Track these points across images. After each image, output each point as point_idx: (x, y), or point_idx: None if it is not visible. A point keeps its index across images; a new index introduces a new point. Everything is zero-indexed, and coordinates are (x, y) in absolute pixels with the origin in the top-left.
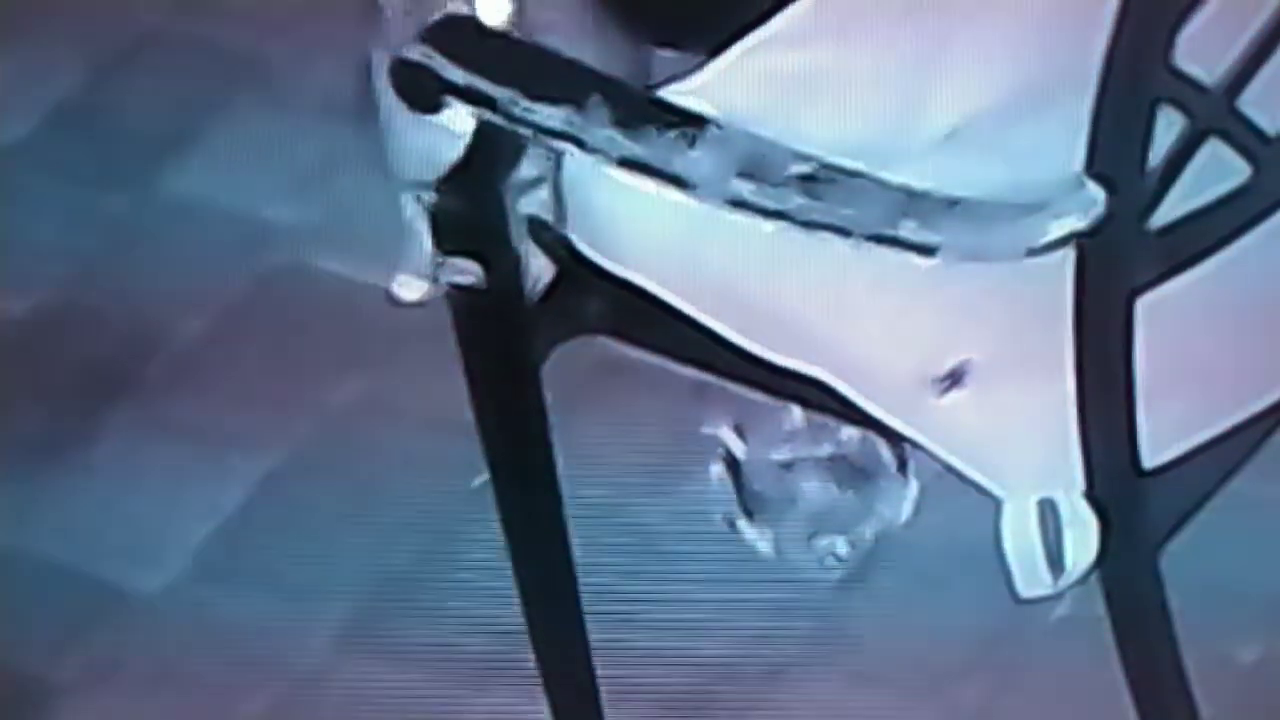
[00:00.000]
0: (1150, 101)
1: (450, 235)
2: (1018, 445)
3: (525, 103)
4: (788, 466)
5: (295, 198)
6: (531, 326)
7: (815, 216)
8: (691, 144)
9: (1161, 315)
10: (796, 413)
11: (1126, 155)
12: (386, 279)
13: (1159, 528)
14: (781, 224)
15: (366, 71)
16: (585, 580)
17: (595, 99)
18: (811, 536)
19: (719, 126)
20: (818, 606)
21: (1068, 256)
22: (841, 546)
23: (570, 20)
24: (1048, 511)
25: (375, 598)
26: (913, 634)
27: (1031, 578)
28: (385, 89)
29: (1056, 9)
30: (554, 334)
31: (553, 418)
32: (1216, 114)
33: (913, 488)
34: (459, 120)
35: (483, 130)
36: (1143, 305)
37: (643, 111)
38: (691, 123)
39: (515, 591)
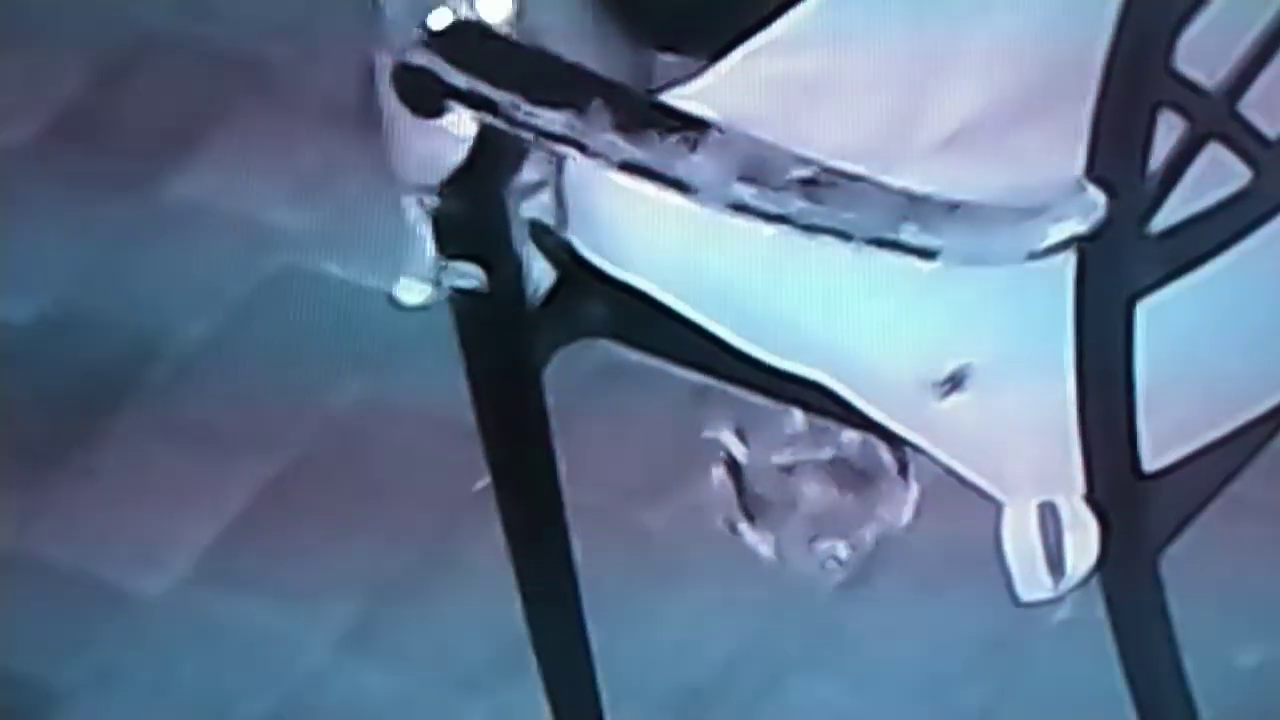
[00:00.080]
0: (1151, 105)
1: (452, 239)
2: (1018, 448)
3: (527, 107)
4: (789, 470)
5: (298, 202)
6: (533, 330)
7: (816, 220)
8: (693, 148)
9: (1162, 319)
10: (797, 416)
11: (1127, 159)
12: (389, 283)
13: (1159, 531)
14: (782, 228)
15: (369, 76)
16: (586, 583)
17: (597, 103)
18: (812, 540)
19: (720, 130)
20: (818, 609)
21: (1068, 260)
22: (842, 550)
23: (572, 24)
24: (1048, 515)
25: (377, 600)
26: (913, 637)
27: (1032, 581)
28: (388, 93)
29: (1058, 12)
30: (555, 337)
31: (554, 421)
32: (1217, 118)
33: (913, 491)
34: (461, 124)
35: (485, 134)
36: (1143, 309)
37: (644, 116)
38: (693, 127)
39: (516, 594)
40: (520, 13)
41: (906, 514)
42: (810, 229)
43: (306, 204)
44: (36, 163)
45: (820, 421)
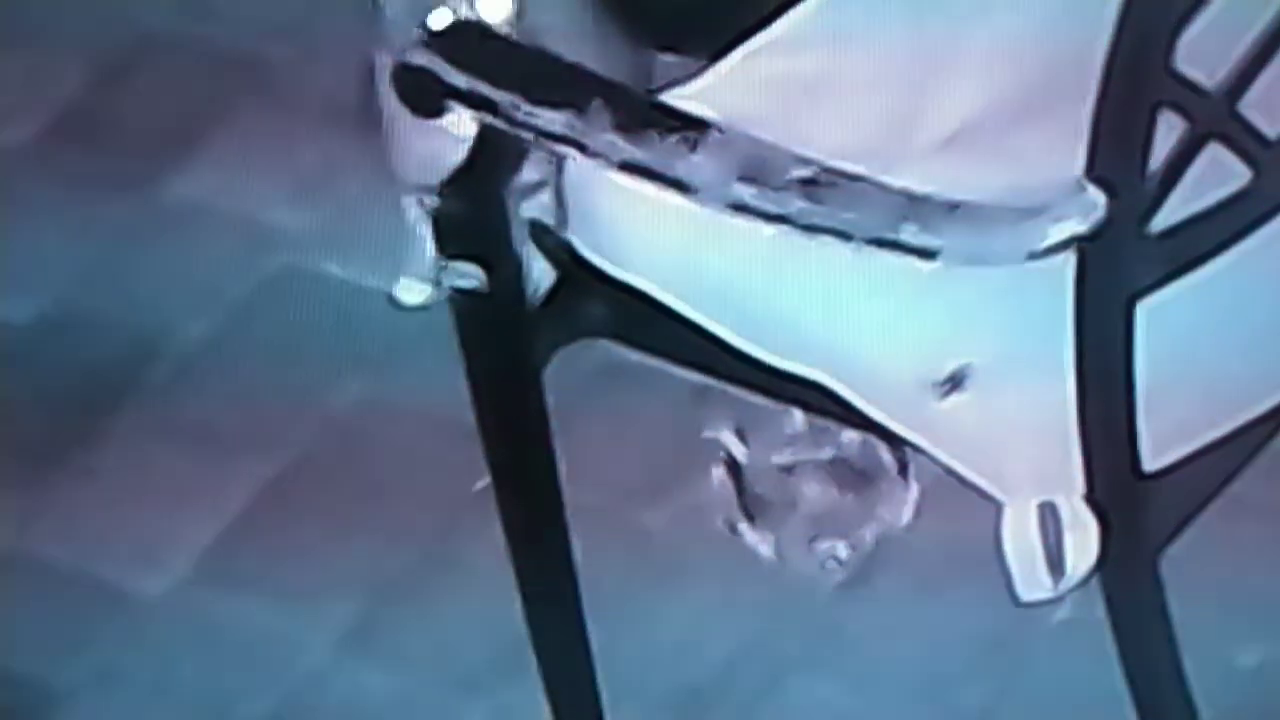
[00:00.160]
0: (1151, 105)
1: (452, 239)
2: (1018, 448)
3: (527, 107)
4: (789, 470)
5: (298, 202)
6: (533, 330)
7: (816, 220)
8: (693, 148)
9: (1162, 319)
10: (797, 416)
11: (1127, 159)
12: (389, 283)
13: (1159, 531)
14: (782, 228)
15: (369, 76)
16: (586, 582)
17: (597, 103)
18: (812, 540)
19: (720, 130)
20: (818, 610)
21: (1068, 260)
22: (842, 550)
23: (572, 24)
24: (1048, 515)
25: (377, 601)
26: (913, 637)
27: (1032, 581)
28: (388, 93)
29: (1058, 12)
30: (555, 337)
31: (554, 421)
32: (1217, 118)
33: (913, 491)
34: (461, 124)
35: (485, 134)
36: (1143, 309)
37: (644, 116)
38: (693, 127)
39: (516, 594)
40: (520, 12)
41: (906, 514)
42: (810, 229)
43: (306, 204)
44: (36, 162)
45: (820, 421)
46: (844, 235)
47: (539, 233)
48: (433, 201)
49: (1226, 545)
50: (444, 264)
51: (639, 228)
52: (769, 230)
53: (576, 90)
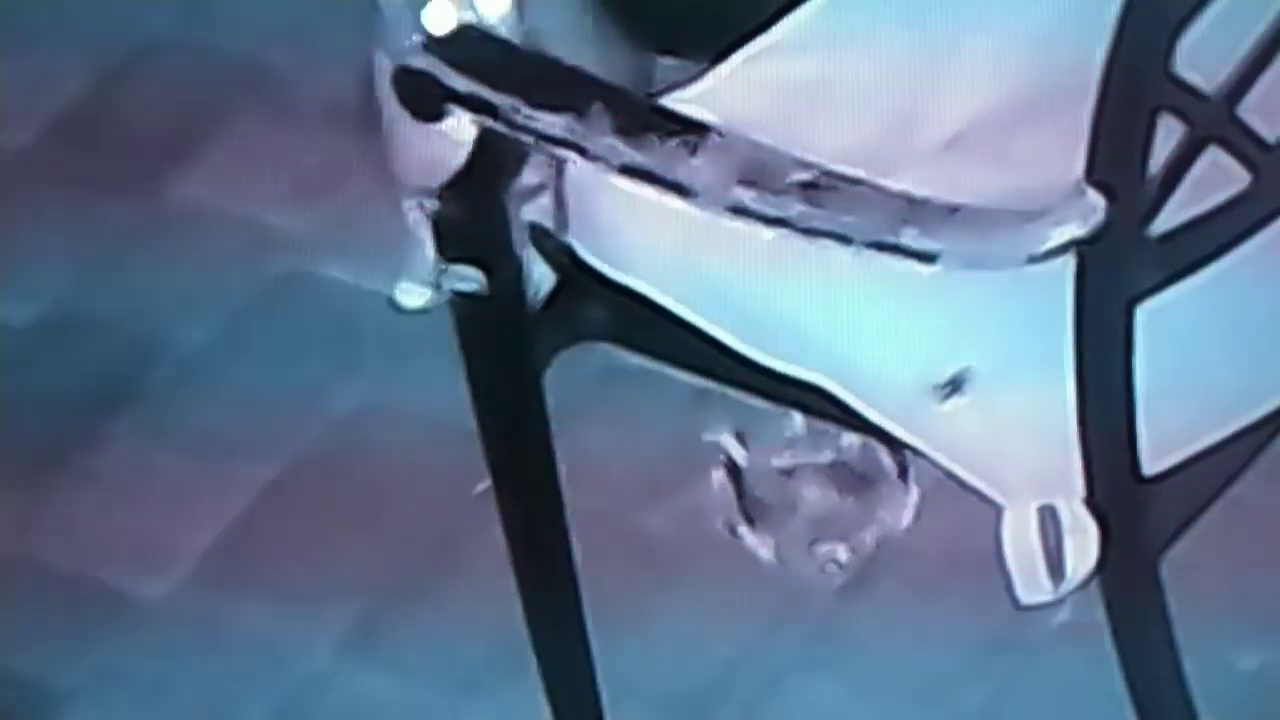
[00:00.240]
0: (1150, 109)
1: (452, 242)
2: (1018, 452)
3: (527, 110)
4: (789, 473)
5: (299, 205)
6: (533, 333)
7: (816, 224)
8: (693, 151)
9: (1162, 322)
10: (797, 419)
11: (1126, 163)
12: (389, 286)
13: (1159, 534)
14: (782, 231)
15: (369, 79)
16: (586, 585)
17: (597, 106)
18: (812, 543)
19: (720, 134)
20: (818, 613)
21: (1068, 264)
22: (842, 553)
23: (572, 28)
24: (1048, 518)
25: (378, 603)
26: (913, 640)
27: (1032, 584)
28: (388, 97)
29: (1057, 16)
30: (555, 340)
31: (554, 424)
32: (1216, 121)
33: (913, 494)
34: (461, 128)
35: (485, 138)
36: (1143, 312)
37: (644, 119)
38: (693, 130)
39: (517, 596)
40: (519, 9)
41: (906, 517)
42: (810, 232)
43: (307, 207)
44: (38, 165)
45: (820, 425)
46: (844, 239)
47: (539, 236)
48: (433, 205)
49: (1226, 548)
50: (444, 267)
51: (639, 231)
52: (769, 233)
53: (577, 94)
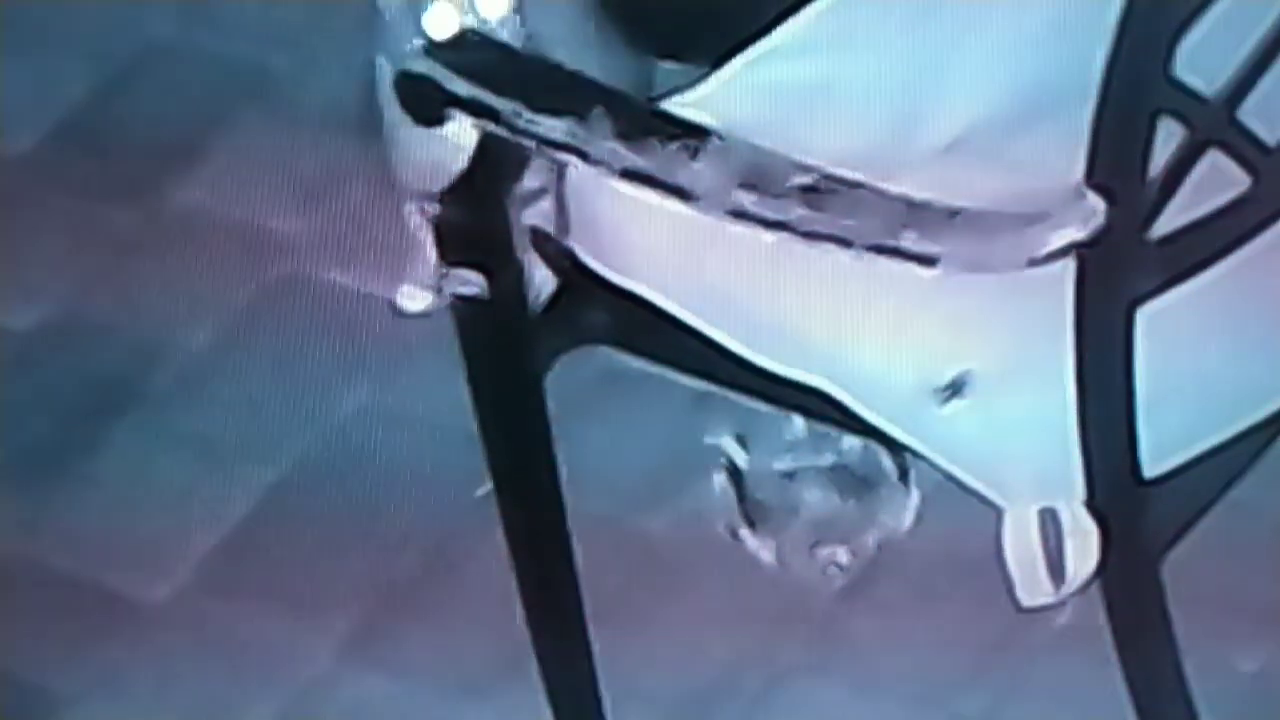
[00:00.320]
0: (1150, 112)
1: (454, 246)
2: (1019, 454)
3: (528, 114)
4: (790, 476)
5: (300, 209)
6: (534, 337)
7: (817, 227)
8: (694, 155)
9: (1162, 325)
10: (798, 422)
11: (1126, 166)
12: (390, 290)
13: (1160, 537)
14: (783, 235)
15: (371, 84)
16: (588, 588)
17: (598, 111)
18: (813, 545)
19: (721, 138)
20: (819, 615)
21: (1068, 267)
22: (843, 555)
23: (573, 32)
24: (1049, 520)
25: (379, 607)
26: (914, 643)
27: (1033, 586)
28: (389, 101)
29: (1057, 20)
30: (557, 344)
31: (555, 427)
32: (1216, 125)
33: (914, 497)
34: (462, 132)
35: (486, 142)
36: (1143, 315)
37: (645, 123)
38: (694, 134)
39: (518, 600)
40: (521, 13)
41: (907, 520)
42: (811, 236)
43: (309, 212)
44: (39, 170)
45: (821, 427)
46: (844, 242)
47: (540, 240)
48: (434, 209)
49: (1227, 551)
50: (445, 271)
51: (640, 235)
52: (770, 237)
53: (578, 98)
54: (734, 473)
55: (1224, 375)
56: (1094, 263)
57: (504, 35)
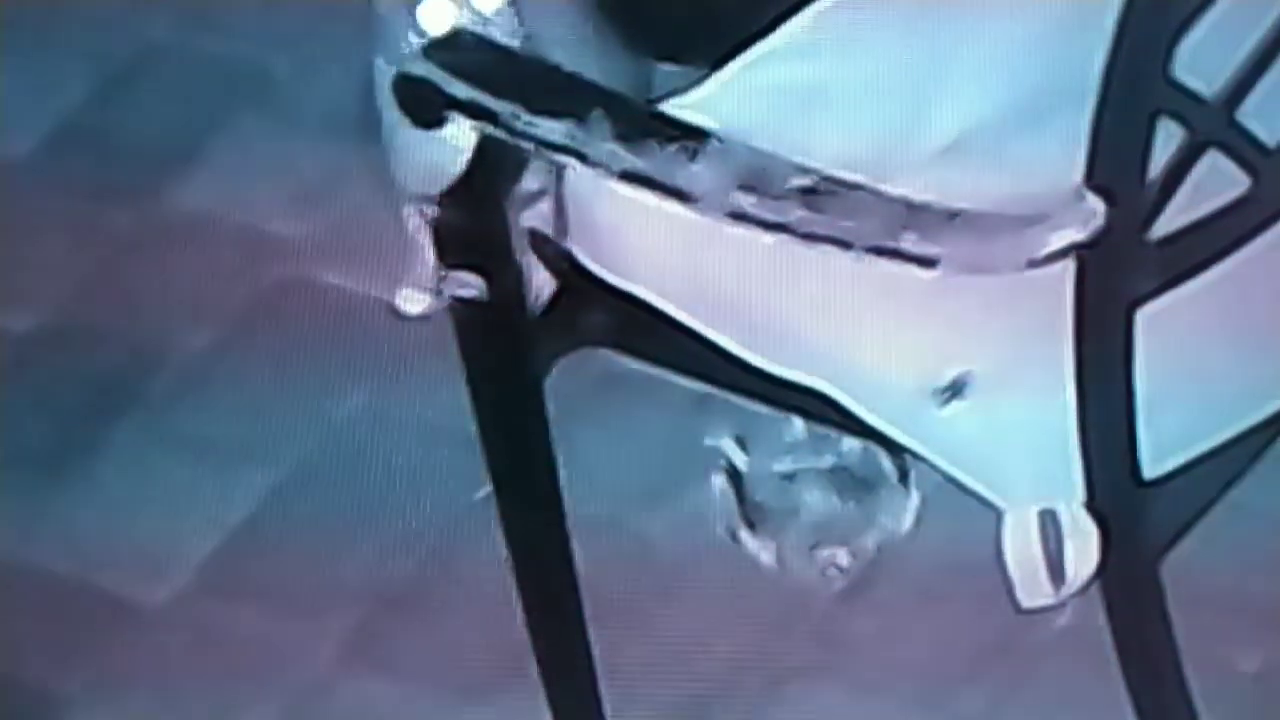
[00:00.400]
0: (1149, 113)
1: (453, 248)
2: (1018, 456)
3: (527, 116)
4: (789, 477)
5: (299, 212)
6: (533, 339)
7: (816, 229)
8: (693, 157)
9: (1162, 326)
10: (798, 424)
11: (1126, 167)
12: (390, 292)
13: (1160, 538)
14: (782, 236)
15: (370, 86)
16: (587, 590)
17: (597, 113)
18: (813, 547)
19: (720, 140)
20: (819, 617)
21: (1068, 268)
22: (843, 557)
23: (572, 34)
24: (1049, 522)
25: (379, 609)
26: (914, 644)
27: (1033, 588)
28: (388, 103)
29: (1056, 21)
30: (556, 346)
31: (555, 430)
32: (1216, 126)
33: (914, 498)
34: (461, 134)
35: (485, 144)
36: (1143, 316)
37: (644, 125)
38: (693, 136)
39: (518, 602)
40: (519, 15)
41: (907, 521)
42: (810, 237)
43: (308, 214)
44: (38, 173)
45: (821, 429)
46: (844, 244)
47: (539, 242)
48: (433, 211)
49: (1227, 551)
50: (444, 273)
51: (639, 237)
52: (769, 239)
53: (576, 100)
54: (734, 475)
55: (1224, 376)
56: (1094, 264)
57: (500, 31)
